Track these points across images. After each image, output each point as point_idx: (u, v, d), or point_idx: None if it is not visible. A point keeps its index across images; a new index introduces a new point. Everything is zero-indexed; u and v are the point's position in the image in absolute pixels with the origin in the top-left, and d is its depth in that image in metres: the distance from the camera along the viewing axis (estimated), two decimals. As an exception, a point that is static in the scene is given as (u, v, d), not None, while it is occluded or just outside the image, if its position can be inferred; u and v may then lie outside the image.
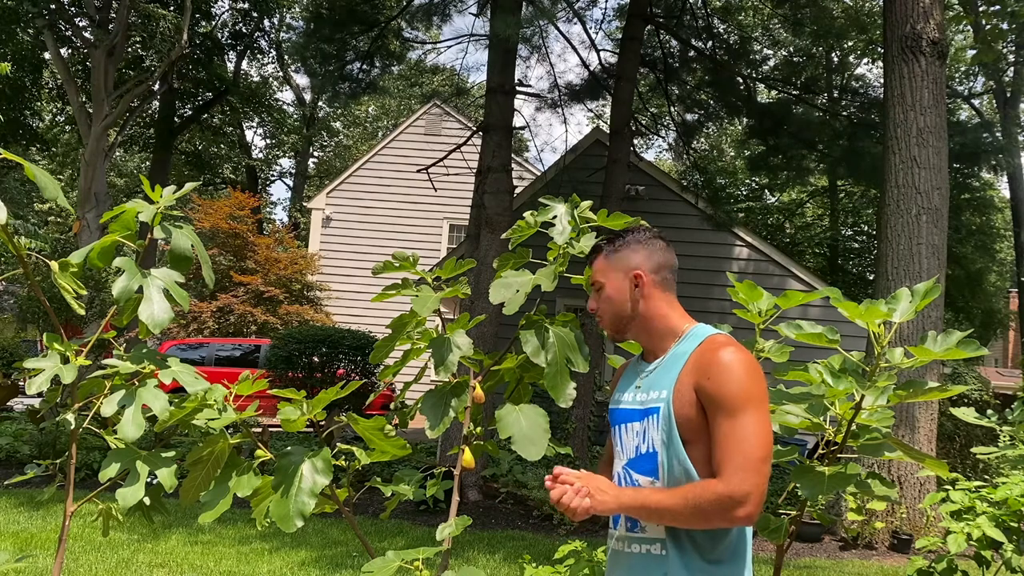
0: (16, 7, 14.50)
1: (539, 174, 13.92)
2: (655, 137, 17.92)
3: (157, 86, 16.95)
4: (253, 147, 30.30)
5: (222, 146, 27.84)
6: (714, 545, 1.69)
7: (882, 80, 9.12)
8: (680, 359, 1.76)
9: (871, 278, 16.49)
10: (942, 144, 7.88)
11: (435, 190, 13.78)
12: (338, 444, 2.06)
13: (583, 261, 1.92)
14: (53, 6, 14.88)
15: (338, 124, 33.53)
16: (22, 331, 18.18)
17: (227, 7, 21.31)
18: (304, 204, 25.69)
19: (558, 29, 11.72)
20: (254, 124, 29.07)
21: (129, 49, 16.71)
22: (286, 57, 26.30)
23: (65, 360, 1.88)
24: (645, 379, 1.82)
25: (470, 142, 11.21)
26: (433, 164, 11.23)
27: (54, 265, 1.87)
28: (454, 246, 17.74)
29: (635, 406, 1.81)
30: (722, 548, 1.70)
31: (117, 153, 25.90)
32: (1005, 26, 10.70)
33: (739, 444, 1.61)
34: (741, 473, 1.59)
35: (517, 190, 10.00)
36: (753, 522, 1.65)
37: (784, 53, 18.37)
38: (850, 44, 18.47)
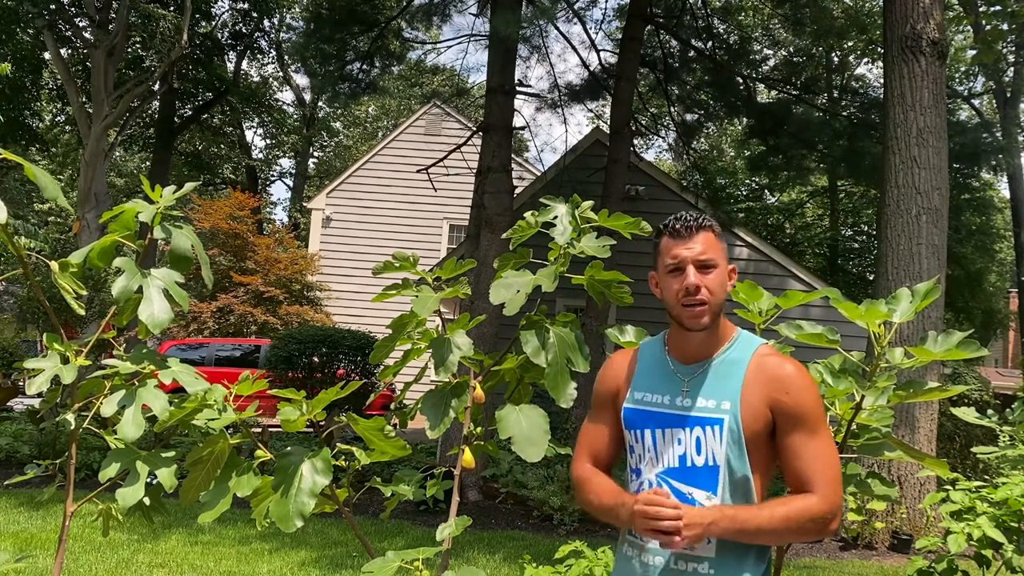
0: (16, 7, 14.50)
1: (539, 174, 13.92)
2: (655, 137, 17.95)
3: (157, 86, 16.94)
4: (253, 147, 30.30)
5: (222, 146, 27.83)
6: (759, 561, 1.69)
7: (882, 80, 9.12)
8: (736, 368, 1.70)
9: (871, 278, 16.49)
10: (942, 144, 7.88)
11: (435, 190, 13.78)
12: (338, 444, 2.06)
13: (584, 261, 1.92)
14: (53, 6, 14.87)
15: (338, 124, 33.53)
16: (22, 331, 18.16)
17: (227, 7, 21.38)
18: (304, 204, 25.68)
19: (558, 29, 11.74)
20: (254, 124, 29.09)
21: (129, 49, 16.69)
22: (286, 57, 26.30)
23: (65, 360, 1.87)
24: (692, 382, 1.72)
25: (470, 142, 11.21)
26: (433, 164, 11.22)
27: (54, 265, 1.86)
28: (454, 246, 17.73)
29: (677, 411, 1.72)
30: (763, 565, 1.70)
31: (117, 153, 25.89)
32: (1005, 26, 10.69)
33: (826, 460, 1.67)
34: (833, 488, 1.66)
35: (517, 190, 9.99)
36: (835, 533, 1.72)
37: (784, 53, 18.39)
38: (850, 44, 18.47)
